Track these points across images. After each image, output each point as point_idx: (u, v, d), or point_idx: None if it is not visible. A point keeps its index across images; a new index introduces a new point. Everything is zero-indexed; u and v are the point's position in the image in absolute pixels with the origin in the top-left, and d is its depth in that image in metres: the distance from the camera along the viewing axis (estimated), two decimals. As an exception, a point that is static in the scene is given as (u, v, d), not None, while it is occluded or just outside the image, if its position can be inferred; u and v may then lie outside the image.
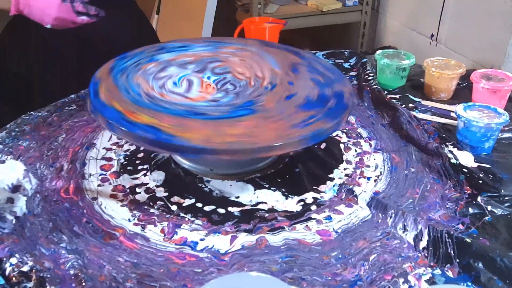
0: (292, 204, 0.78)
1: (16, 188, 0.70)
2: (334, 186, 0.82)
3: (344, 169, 0.87)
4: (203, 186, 0.82)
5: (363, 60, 1.23)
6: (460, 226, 0.71)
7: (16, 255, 0.63)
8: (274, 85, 0.87)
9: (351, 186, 0.81)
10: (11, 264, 0.61)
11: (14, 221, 0.70)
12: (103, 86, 0.84)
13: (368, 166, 0.88)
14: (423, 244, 0.69)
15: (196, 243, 0.70)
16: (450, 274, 0.64)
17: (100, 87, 0.84)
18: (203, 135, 0.72)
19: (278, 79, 0.89)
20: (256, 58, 0.96)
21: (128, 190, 0.81)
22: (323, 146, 0.93)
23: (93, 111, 0.80)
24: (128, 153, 0.90)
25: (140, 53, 0.97)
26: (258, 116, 0.78)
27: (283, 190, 0.81)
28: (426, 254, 0.67)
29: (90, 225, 0.72)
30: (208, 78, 0.89)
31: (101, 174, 0.84)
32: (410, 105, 1.05)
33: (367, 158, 0.90)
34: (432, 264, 0.66)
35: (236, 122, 0.76)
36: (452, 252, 0.66)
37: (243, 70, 0.91)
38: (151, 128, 0.73)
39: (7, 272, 0.60)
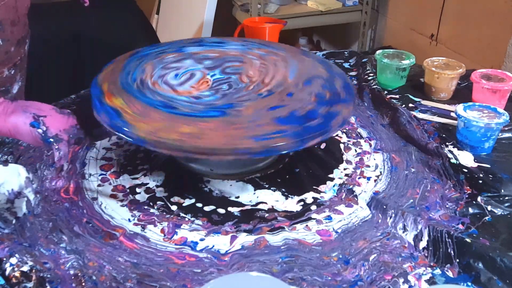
0: (292, 204, 0.78)
1: (17, 196, 0.70)
2: (334, 186, 0.82)
3: (344, 169, 0.87)
4: (203, 186, 0.82)
5: (363, 60, 1.23)
6: (460, 226, 0.71)
7: (16, 255, 0.63)
8: (271, 93, 0.81)
9: (351, 186, 0.81)
10: (11, 264, 0.61)
11: (14, 221, 0.70)
12: (112, 67, 0.87)
13: (368, 166, 0.88)
14: (423, 244, 0.69)
15: (196, 243, 0.70)
16: (450, 274, 0.64)
17: (108, 67, 0.87)
18: (153, 127, 0.71)
19: (282, 88, 0.82)
20: (279, 64, 0.90)
21: (128, 190, 0.81)
22: (323, 146, 0.93)
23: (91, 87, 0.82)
24: (128, 153, 0.90)
25: (173, 43, 0.98)
26: (225, 120, 0.73)
27: (283, 190, 0.81)
28: (426, 254, 0.67)
29: (90, 225, 0.72)
30: (213, 75, 0.86)
31: (101, 174, 0.84)
32: (410, 105, 1.05)
33: (367, 158, 0.90)
34: (432, 264, 0.66)
35: (199, 121, 0.73)
36: (452, 252, 0.66)
37: (254, 74, 0.87)
38: (115, 111, 0.74)
39: (7, 272, 0.60)
